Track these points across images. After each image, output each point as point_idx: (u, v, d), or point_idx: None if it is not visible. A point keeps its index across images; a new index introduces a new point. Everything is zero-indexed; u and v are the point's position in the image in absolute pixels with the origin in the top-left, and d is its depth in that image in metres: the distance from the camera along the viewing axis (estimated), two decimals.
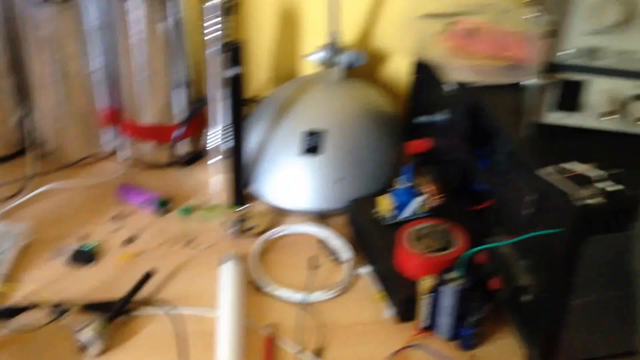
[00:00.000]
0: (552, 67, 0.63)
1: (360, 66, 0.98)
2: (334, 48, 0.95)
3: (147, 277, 0.75)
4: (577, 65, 0.62)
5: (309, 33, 1.04)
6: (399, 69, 1.05)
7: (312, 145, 0.88)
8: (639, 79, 0.62)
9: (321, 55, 0.97)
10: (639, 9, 0.58)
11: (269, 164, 0.90)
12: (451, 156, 0.85)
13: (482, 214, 0.78)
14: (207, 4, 0.82)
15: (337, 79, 0.96)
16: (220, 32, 0.83)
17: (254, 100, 1.03)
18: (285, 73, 1.07)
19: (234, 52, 0.80)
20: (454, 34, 0.86)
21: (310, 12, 1.01)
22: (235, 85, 0.82)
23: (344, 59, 0.96)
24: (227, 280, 0.75)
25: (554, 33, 0.61)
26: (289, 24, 1.03)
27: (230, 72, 0.81)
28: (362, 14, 1.03)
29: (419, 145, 0.91)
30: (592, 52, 0.61)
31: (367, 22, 1.04)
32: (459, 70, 0.80)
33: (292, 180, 0.88)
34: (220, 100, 0.89)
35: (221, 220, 0.87)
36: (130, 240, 0.84)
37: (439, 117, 0.89)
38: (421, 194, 0.81)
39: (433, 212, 0.80)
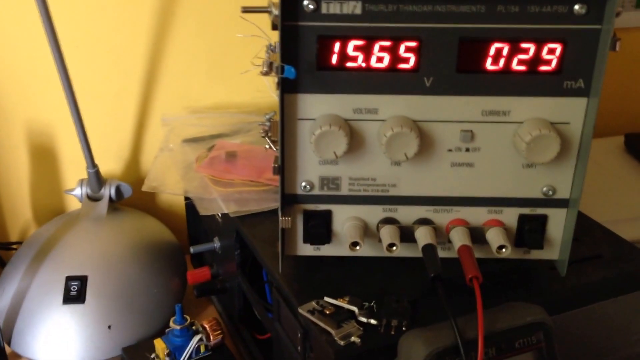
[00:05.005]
0: (293, 199, 0.62)
1: (133, 196, 0.94)
2: (95, 181, 0.90)
3: None
4: (318, 196, 0.62)
5: (70, 166, 0.98)
6: (168, 197, 1.02)
7: (76, 291, 0.81)
8: (380, 204, 0.62)
9: (84, 189, 0.91)
10: (362, 138, 0.60)
11: (30, 316, 0.81)
12: (232, 284, 0.81)
13: (268, 344, 0.74)
14: None
15: (104, 213, 0.91)
16: None
17: (14, 245, 0.95)
18: (50, 210, 0.99)
19: None
20: (212, 159, 0.83)
21: (67, 144, 0.96)
22: None
23: (109, 191, 0.91)
24: None
25: (290, 162, 0.61)
26: (46, 159, 0.97)
27: None
28: (125, 143, 1.00)
29: (199, 274, 0.88)
30: (330, 181, 0.61)
31: (131, 151, 1.00)
32: (217, 200, 0.77)
33: (58, 333, 0.80)
34: None
35: None
36: None
37: (215, 244, 0.86)
38: (198, 331, 0.76)
39: (214, 351, 0.76)
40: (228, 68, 1.00)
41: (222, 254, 0.84)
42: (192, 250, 0.87)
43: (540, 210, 0.62)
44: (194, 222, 0.96)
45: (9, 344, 0.82)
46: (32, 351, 0.81)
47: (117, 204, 0.93)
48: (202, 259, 0.95)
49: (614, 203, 0.94)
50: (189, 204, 0.93)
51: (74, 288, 0.81)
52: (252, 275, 0.77)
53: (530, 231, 0.62)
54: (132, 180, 0.96)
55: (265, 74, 0.59)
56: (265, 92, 0.95)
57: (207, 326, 0.76)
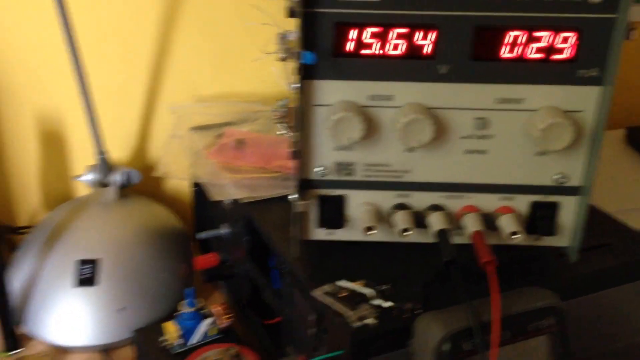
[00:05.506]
0: (307, 184, 0.62)
1: (139, 183, 0.94)
2: (104, 167, 0.90)
3: None
4: (332, 181, 0.63)
5: (78, 153, 0.98)
6: (176, 183, 1.03)
7: (88, 274, 0.82)
8: (398, 189, 0.63)
9: (92, 175, 0.91)
10: (377, 124, 0.60)
11: (42, 298, 0.82)
12: (240, 270, 0.82)
13: (276, 329, 0.75)
14: None
15: (113, 199, 0.91)
16: None
17: (23, 229, 0.95)
18: (58, 196, 1.00)
19: None
20: (221, 146, 0.84)
21: (75, 131, 0.97)
22: None
23: (117, 177, 0.92)
24: None
25: (305, 149, 0.61)
26: (55, 145, 0.97)
27: None
28: (135, 128, 1.00)
29: (207, 260, 0.88)
30: (344, 167, 0.62)
31: (140, 137, 1.01)
32: (229, 186, 0.78)
33: (70, 315, 0.81)
34: None
35: None
36: None
37: (222, 231, 0.86)
38: (209, 315, 0.77)
39: (223, 334, 0.77)
40: (234, 57, 1.00)
41: (229, 240, 0.85)
42: (199, 236, 0.88)
43: (552, 198, 0.63)
44: (201, 209, 0.96)
45: (22, 326, 0.82)
46: (44, 333, 0.81)
47: (125, 190, 0.93)
48: (209, 245, 0.95)
49: (619, 194, 0.95)
50: (196, 190, 0.94)
51: (85, 271, 0.82)
52: (259, 261, 0.77)
53: (541, 218, 0.63)
54: (139, 167, 0.96)
55: (283, 59, 0.60)
56: (270, 81, 0.96)
57: (217, 310, 0.76)
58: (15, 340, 0.80)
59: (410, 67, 0.59)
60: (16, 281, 0.84)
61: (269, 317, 0.79)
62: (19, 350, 0.80)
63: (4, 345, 0.80)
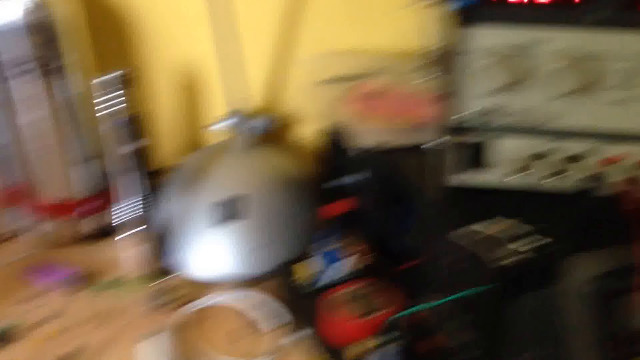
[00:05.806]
0: (453, 129, 0.64)
1: (272, 131, 0.98)
2: (241, 115, 0.94)
3: None
4: (475, 126, 0.64)
5: (215, 100, 1.03)
6: (308, 132, 1.06)
7: (231, 211, 0.86)
8: (540, 136, 0.63)
9: (229, 122, 0.96)
10: (525, 71, 0.61)
11: (186, 233, 0.88)
12: (371, 217, 0.84)
13: (410, 273, 0.77)
14: (100, 79, 0.79)
15: (247, 145, 0.95)
16: (119, 105, 0.81)
17: (162, 171, 1.00)
18: (193, 142, 1.05)
19: (135, 125, 0.78)
20: (358, 96, 0.86)
21: (215, 79, 1.01)
22: (140, 158, 0.80)
23: (252, 125, 0.96)
24: (148, 359, 0.72)
25: (451, 95, 0.62)
26: (193, 92, 1.02)
27: (133, 145, 0.79)
28: (268, 79, 1.03)
29: (337, 207, 0.91)
30: (492, 111, 0.63)
31: (273, 87, 1.04)
32: (365, 133, 0.80)
33: (212, 248, 0.86)
34: (126, 173, 0.86)
35: (140, 294, 0.83)
36: (45, 321, 0.80)
37: (353, 179, 0.88)
38: (349, 254, 0.80)
39: (362, 273, 0.80)
40: (370, 9, 1.01)
41: (362, 187, 0.87)
42: (332, 183, 0.90)
43: None
44: (334, 157, 0.98)
45: (167, 259, 0.88)
46: (188, 266, 0.87)
47: (259, 137, 0.97)
48: (341, 192, 0.97)
49: None
50: (330, 138, 0.96)
51: (225, 210, 0.86)
52: (392, 208, 0.79)
53: None
54: (274, 116, 0.99)
55: (431, 6, 0.61)
56: (406, 34, 0.96)
57: (355, 250, 0.79)
58: (161, 270, 0.86)
59: (560, 14, 0.59)
60: (162, 219, 0.90)
61: (401, 262, 0.81)
62: (164, 279, 0.85)
63: (151, 273, 0.86)
